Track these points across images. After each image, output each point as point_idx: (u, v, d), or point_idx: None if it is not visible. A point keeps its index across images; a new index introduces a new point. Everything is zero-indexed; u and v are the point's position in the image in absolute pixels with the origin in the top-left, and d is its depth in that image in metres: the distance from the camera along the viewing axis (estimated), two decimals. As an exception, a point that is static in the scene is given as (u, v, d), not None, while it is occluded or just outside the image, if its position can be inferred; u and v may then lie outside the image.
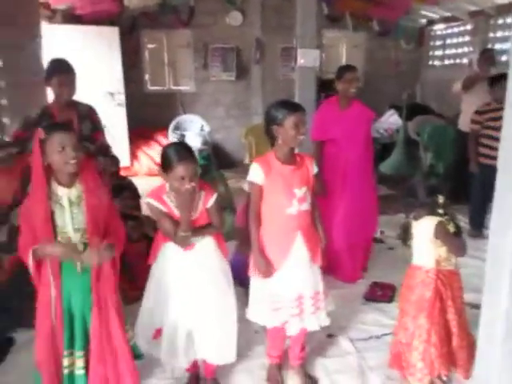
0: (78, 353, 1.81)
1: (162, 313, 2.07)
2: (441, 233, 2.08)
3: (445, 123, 5.86)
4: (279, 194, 2.06)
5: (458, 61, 6.74)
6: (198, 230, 2.05)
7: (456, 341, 2.15)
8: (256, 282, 2.15)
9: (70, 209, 1.76)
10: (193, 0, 6.63)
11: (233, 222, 3.64)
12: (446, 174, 5.09)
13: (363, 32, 7.26)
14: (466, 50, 6.52)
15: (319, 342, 2.61)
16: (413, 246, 2.22)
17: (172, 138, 6.42)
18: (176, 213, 1.99)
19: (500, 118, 3.99)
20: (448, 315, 2.13)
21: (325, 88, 5.84)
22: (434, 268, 2.13)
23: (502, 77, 3.97)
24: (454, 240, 2.10)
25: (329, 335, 2.66)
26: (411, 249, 2.25)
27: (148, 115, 6.74)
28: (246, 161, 6.24)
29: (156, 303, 2.08)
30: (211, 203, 2.05)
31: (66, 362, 1.82)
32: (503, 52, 5.58)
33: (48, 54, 4.83)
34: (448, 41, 7.04)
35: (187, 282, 2.05)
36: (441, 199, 2.12)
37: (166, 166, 1.95)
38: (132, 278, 2.87)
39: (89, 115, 2.89)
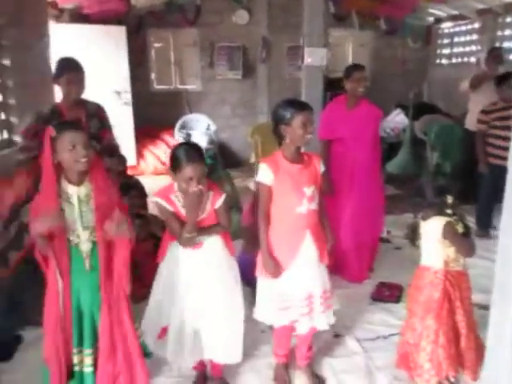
0: (87, 350, 1.82)
1: (169, 311, 2.08)
2: (449, 233, 2.07)
3: (452, 122, 5.83)
4: (289, 193, 2.06)
5: (465, 59, 6.69)
6: (205, 229, 2.06)
7: (464, 342, 2.14)
8: (264, 281, 2.15)
9: (79, 207, 1.77)
10: (199, -1, 6.65)
11: (239, 221, 3.64)
12: (453, 173, 5.06)
13: (370, 31, 7.23)
14: (473, 48, 6.48)
15: (326, 342, 2.61)
16: (421, 246, 2.21)
17: (178, 137, 6.43)
18: (183, 213, 2.00)
19: (507, 118, 3.98)
20: (456, 316, 2.12)
21: (331, 87, 5.82)
22: (442, 269, 2.12)
23: (510, 75, 3.96)
24: (462, 240, 2.09)
25: (335, 335, 2.66)
26: (419, 249, 2.24)
27: (154, 114, 6.76)
28: (252, 160, 6.23)
29: (163, 302, 2.09)
30: (219, 204, 2.06)
31: (75, 359, 1.83)
32: (511, 50, 5.54)
33: (55, 53, 4.86)
34: (456, 39, 7.00)
35: (195, 281, 2.05)
36: (449, 199, 2.10)
37: (174, 165, 1.96)
38: (139, 277, 2.88)
39: (97, 114, 2.90)
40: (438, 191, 2.17)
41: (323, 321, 2.14)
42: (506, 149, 3.78)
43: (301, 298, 2.10)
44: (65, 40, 5.36)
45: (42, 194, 1.75)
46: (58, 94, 3.80)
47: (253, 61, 7.09)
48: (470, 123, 4.58)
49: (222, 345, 2.09)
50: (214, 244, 2.10)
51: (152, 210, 3.30)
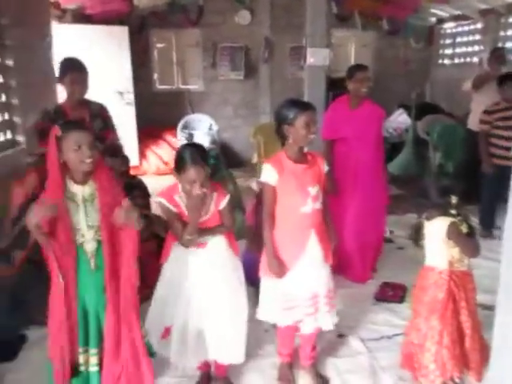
0: (92, 350, 1.82)
1: (172, 312, 2.08)
2: (453, 233, 2.07)
3: (454, 122, 5.82)
4: (294, 193, 2.06)
5: (468, 60, 6.69)
6: (209, 230, 2.07)
7: (469, 342, 2.14)
8: (267, 281, 2.15)
9: (84, 206, 1.78)
10: (202, -1, 6.65)
11: (242, 220, 3.65)
12: (455, 173, 5.06)
13: (372, 31, 7.22)
14: (476, 48, 6.47)
15: (330, 342, 2.61)
16: (425, 246, 2.20)
17: (180, 137, 6.44)
18: (186, 213, 2.02)
19: (510, 118, 3.98)
20: (461, 317, 2.12)
21: (333, 87, 5.82)
22: (446, 269, 2.12)
23: None
24: (466, 241, 2.09)
25: (339, 335, 2.65)
26: (423, 249, 2.24)
27: (156, 114, 6.76)
28: (254, 160, 6.23)
29: (166, 302, 2.09)
30: (223, 205, 2.07)
31: (81, 359, 1.83)
32: (514, 51, 5.53)
33: (58, 53, 4.87)
34: (458, 39, 7.00)
35: (199, 281, 2.06)
36: (454, 200, 2.10)
37: (179, 167, 1.97)
38: (142, 277, 2.88)
39: (100, 114, 2.91)
40: (442, 191, 2.17)
41: (328, 320, 2.15)
42: (509, 149, 3.80)
43: (306, 298, 2.10)
44: (67, 40, 5.37)
45: (48, 192, 1.75)
46: (60, 94, 3.81)
47: (255, 61, 7.09)
48: (473, 123, 4.58)
49: (226, 345, 2.09)
50: (218, 244, 2.10)
51: (155, 210, 3.31)
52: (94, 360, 1.83)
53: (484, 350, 2.18)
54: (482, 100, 4.44)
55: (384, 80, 7.06)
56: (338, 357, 2.50)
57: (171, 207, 2.03)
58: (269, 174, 2.07)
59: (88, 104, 2.90)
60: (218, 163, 4.33)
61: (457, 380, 2.22)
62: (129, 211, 1.74)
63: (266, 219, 2.10)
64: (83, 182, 1.79)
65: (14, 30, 3.89)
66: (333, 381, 2.33)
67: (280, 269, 2.06)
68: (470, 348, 2.15)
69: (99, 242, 1.80)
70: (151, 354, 2.05)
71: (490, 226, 4.10)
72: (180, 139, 6.45)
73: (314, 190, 2.08)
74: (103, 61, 5.79)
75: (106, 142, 2.88)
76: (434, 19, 7.26)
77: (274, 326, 2.32)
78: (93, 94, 3.04)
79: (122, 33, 6.13)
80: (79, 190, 1.79)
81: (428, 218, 2.17)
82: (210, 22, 6.86)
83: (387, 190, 3.47)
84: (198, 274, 2.06)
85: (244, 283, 2.15)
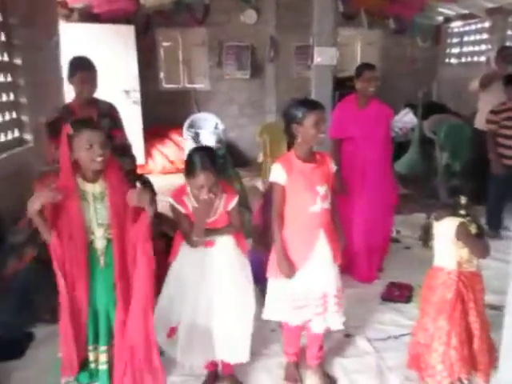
0: (102, 348, 1.83)
1: (179, 311, 2.08)
2: (462, 234, 2.06)
3: (461, 122, 5.80)
4: (303, 192, 2.06)
5: (475, 59, 6.65)
6: (217, 231, 2.09)
7: (477, 343, 2.13)
8: (275, 282, 2.15)
9: (94, 204, 1.78)
10: (208, -2, 6.66)
11: (248, 220, 3.65)
12: (462, 173, 5.03)
13: (378, 30, 7.21)
14: (483, 47, 6.44)
15: (337, 342, 2.61)
16: (434, 247, 2.19)
17: (186, 136, 6.44)
18: (193, 211, 2.03)
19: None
20: (470, 317, 2.11)
21: (339, 86, 5.81)
22: (455, 269, 2.10)
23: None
24: (475, 242, 2.08)
25: (346, 335, 2.65)
26: (432, 250, 2.23)
27: (162, 113, 6.78)
28: (260, 159, 6.23)
29: (173, 301, 2.10)
30: (232, 206, 2.08)
31: (91, 356, 1.84)
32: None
33: (65, 52, 4.89)
34: (465, 38, 6.96)
35: (207, 280, 2.06)
36: (463, 200, 2.09)
37: (188, 171, 1.99)
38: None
39: (109, 113, 2.92)
40: (450, 192, 2.16)
41: (337, 320, 2.14)
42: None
43: (315, 298, 2.09)
44: (74, 39, 5.39)
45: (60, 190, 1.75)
46: (67, 93, 3.82)
47: (261, 60, 7.09)
48: (480, 123, 4.55)
49: (232, 344, 2.10)
50: (226, 243, 2.11)
51: (161, 208, 3.31)
52: (103, 358, 1.83)
53: (492, 351, 2.18)
54: (489, 99, 4.42)
55: (390, 79, 7.03)
56: (345, 357, 2.50)
57: (180, 208, 2.05)
58: (278, 174, 2.07)
59: (97, 103, 2.91)
60: (224, 163, 4.33)
61: (464, 381, 2.21)
62: (141, 193, 1.75)
63: (276, 219, 2.09)
64: (94, 181, 1.80)
65: (22, 29, 3.91)
66: (340, 381, 2.33)
67: (290, 269, 2.06)
68: (478, 349, 2.14)
69: (109, 240, 1.81)
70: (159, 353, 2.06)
71: (497, 226, 4.08)
72: (186, 138, 6.46)
73: (322, 190, 2.08)
74: (110, 60, 5.79)
75: (114, 141, 2.89)
76: (441, 18, 7.23)
77: (280, 325, 2.32)
78: (99, 93, 3.05)
79: (128, 32, 6.15)
80: (90, 189, 1.79)
81: (437, 219, 2.16)
82: (215, 21, 6.87)
83: (396, 189, 3.45)
84: (205, 272, 2.07)
85: (252, 282, 2.15)
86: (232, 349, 2.10)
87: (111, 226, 1.80)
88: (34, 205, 1.65)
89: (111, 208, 1.78)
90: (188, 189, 2.05)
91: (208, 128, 6.69)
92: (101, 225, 1.80)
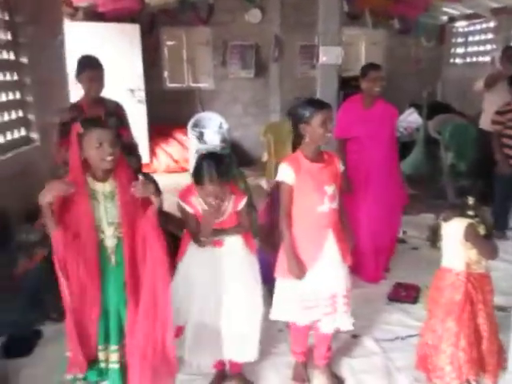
0: (113, 347, 1.82)
1: (187, 310, 2.09)
2: (471, 235, 2.05)
3: (466, 122, 5.79)
4: (311, 192, 2.06)
5: (480, 59, 6.64)
6: (225, 231, 2.10)
7: (486, 345, 2.12)
8: (284, 282, 2.15)
9: (104, 203, 1.79)
10: (212, -2, 6.65)
11: (254, 219, 3.64)
12: (468, 173, 5.02)
13: (383, 29, 7.19)
14: (488, 47, 6.42)
15: (344, 342, 2.61)
16: (442, 247, 2.19)
17: (191, 135, 6.45)
18: (201, 212, 2.05)
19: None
20: (478, 319, 2.10)
21: (343, 86, 5.79)
22: (464, 271, 2.10)
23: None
24: (484, 243, 2.07)
25: (353, 335, 2.65)
26: (440, 251, 2.23)
27: (167, 112, 6.77)
28: (264, 159, 6.23)
29: (180, 300, 2.10)
30: (241, 206, 2.09)
31: (101, 356, 1.84)
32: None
33: (70, 51, 4.90)
34: (470, 38, 6.94)
35: (215, 279, 2.07)
36: (471, 201, 2.09)
37: (196, 179, 2.00)
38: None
39: (116, 112, 2.92)
40: (459, 192, 2.15)
41: (346, 321, 2.14)
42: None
43: (324, 298, 2.09)
44: (79, 38, 5.40)
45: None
46: (75, 92, 3.82)
47: (265, 60, 7.09)
48: (485, 123, 4.54)
49: (240, 343, 2.10)
50: (234, 242, 2.12)
51: (166, 208, 3.32)
52: (114, 357, 1.83)
53: (500, 353, 2.18)
54: (493, 99, 4.41)
55: (395, 79, 7.01)
56: (353, 357, 2.50)
57: (188, 208, 2.07)
58: (286, 173, 2.07)
59: (104, 102, 2.92)
60: (229, 162, 4.32)
61: (473, 383, 2.20)
62: (145, 184, 1.76)
63: (284, 219, 2.09)
64: (104, 180, 1.80)
65: (28, 28, 3.92)
66: (347, 381, 2.33)
67: (300, 270, 2.06)
68: (486, 350, 2.13)
69: (119, 239, 1.81)
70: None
71: (503, 227, 4.07)
72: (190, 137, 6.47)
73: (330, 189, 2.08)
74: (115, 58, 5.78)
75: (121, 140, 2.89)
76: (445, 18, 7.21)
77: (288, 325, 2.32)
78: (104, 92, 3.05)
79: (133, 30, 6.15)
80: (100, 187, 1.79)
81: (445, 219, 2.15)
82: (220, 21, 6.86)
83: (404, 189, 3.43)
84: (214, 272, 2.07)
85: (260, 281, 2.15)
86: (240, 348, 2.10)
87: (121, 225, 1.80)
88: (46, 197, 1.65)
89: (121, 206, 1.78)
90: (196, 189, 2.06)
91: (212, 127, 6.69)
92: (111, 223, 1.80)
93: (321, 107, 2.06)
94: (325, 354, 2.30)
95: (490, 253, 2.08)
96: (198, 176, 1.99)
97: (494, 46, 6.14)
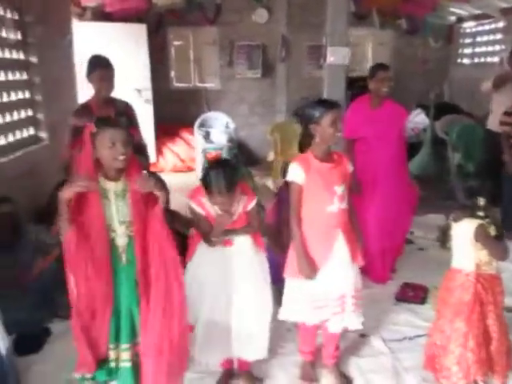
0: (124, 345, 1.83)
1: (197, 309, 2.09)
2: (481, 236, 2.05)
3: (474, 122, 5.76)
4: (321, 192, 2.06)
5: (488, 59, 6.60)
6: (235, 231, 2.11)
7: (495, 346, 2.11)
8: (293, 282, 2.15)
9: (116, 201, 1.80)
10: (219, -3, 6.66)
11: (263, 219, 3.65)
12: (476, 174, 5.00)
13: (390, 30, 7.17)
14: (497, 48, 6.39)
15: (352, 342, 2.61)
16: (452, 248, 2.19)
17: (197, 134, 6.46)
18: (212, 214, 2.08)
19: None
20: (488, 320, 2.10)
21: (350, 86, 5.78)
22: (473, 271, 2.09)
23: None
24: (495, 244, 2.06)
25: (361, 335, 2.65)
26: (448, 251, 2.22)
27: (173, 112, 6.80)
28: (271, 158, 6.24)
29: (191, 300, 2.11)
30: (251, 206, 2.10)
31: (111, 355, 1.84)
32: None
33: (78, 50, 4.92)
34: (478, 39, 6.91)
35: (225, 278, 2.08)
36: (481, 201, 2.08)
37: (205, 187, 2.03)
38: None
39: (125, 112, 2.94)
40: (469, 193, 2.15)
41: (355, 320, 2.15)
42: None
43: (334, 298, 2.10)
44: (87, 38, 5.42)
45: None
46: (85, 91, 3.84)
47: (272, 60, 7.09)
48: (493, 124, 4.52)
49: (250, 342, 2.11)
50: (244, 242, 2.13)
51: (174, 206, 3.33)
52: (125, 355, 1.83)
53: (509, 353, 2.17)
54: (501, 100, 4.38)
55: (402, 79, 6.99)
56: (361, 356, 2.50)
57: (198, 209, 2.10)
58: (296, 173, 2.08)
59: (114, 102, 2.94)
60: (237, 162, 4.34)
61: (480, 383, 2.20)
62: (147, 178, 1.78)
63: (293, 219, 2.09)
64: (116, 179, 1.81)
65: (37, 28, 3.95)
66: (356, 380, 2.33)
67: (311, 270, 2.06)
68: (495, 351, 2.13)
69: (130, 237, 1.82)
70: None
71: (511, 227, 4.04)
72: (197, 137, 6.48)
73: (340, 189, 2.08)
74: (122, 58, 5.77)
75: (133, 140, 2.91)
76: (453, 18, 7.17)
77: (296, 324, 2.33)
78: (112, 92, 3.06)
79: (140, 30, 6.18)
80: (111, 187, 1.80)
81: (455, 220, 2.15)
82: (227, 21, 6.87)
83: (413, 190, 3.41)
84: (224, 271, 2.08)
85: (269, 280, 2.16)
86: (250, 346, 2.12)
87: (132, 223, 1.81)
88: (67, 192, 1.68)
89: (133, 205, 1.79)
90: None
91: (219, 127, 6.70)
92: (122, 222, 1.81)
93: (330, 107, 2.07)
94: (333, 354, 2.30)
95: (501, 254, 2.07)
96: (206, 186, 2.02)
97: (503, 47, 6.10)
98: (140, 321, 1.82)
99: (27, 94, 3.91)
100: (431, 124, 6.04)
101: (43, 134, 4.05)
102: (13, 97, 3.68)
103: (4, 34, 3.61)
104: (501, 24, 6.28)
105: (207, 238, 2.09)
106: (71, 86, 4.69)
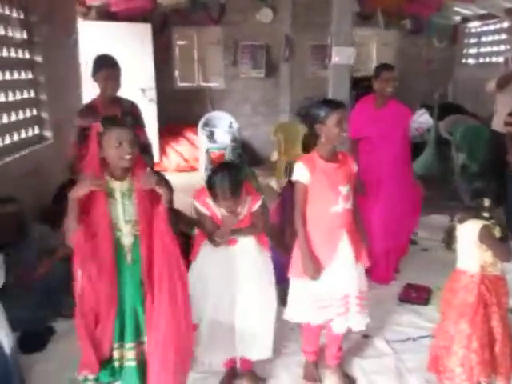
0: (129, 345, 1.83)
1: (200, 309, 2.10)
2: (486, 237, 2.04)
3: (478, 123, 5.74)
4: (326, 192, 2.06)
5: (493, 59, 6.58)
6: (240, 231, 2.11)
7: (499, 347, 2.10)
8: (298, 282, 2.15)
9: (122, 200, 1.80)
10: (224, -3, 6.66)
11: (266, 219, 3.64)
12: (480, 174, 4.98)
13: (394, 30, 7.15)
14: (502, 48, 6.36)
15: (355, 343, 2.61)
16: (457, 249, 2.18)
17: (201, 134, 6.47)
18: (218, 214, 2.09)
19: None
20: (492, 321, 2.09)
21: (354, 86, 5.77)
22: (478, 273, 2.09)
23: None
24: (499, 245, 2.05)
25: (364, 336, 2.64)
26: (451, 252, 2.21)
27: (177, 111, 6.81)
28: (274, 158, 6.24)
29: (194, 299, 2.11)
30: (256, 207, 2.11)
31: (115, 354, 1.84)
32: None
33: (83, 50, 4.94)
34: (483, 39, 6.88)
35: (230, 277, 2.08)
36: (486, 202, 2.08)
37: (210, 191, 2.03)
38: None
39: (131, 111, 2.94)
40: (474, 194, 2.14)
41: (359, 321, 2.14)
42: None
43: (337, 298, 2.10)
44: (92, 37, 5.43)
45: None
46: (90, 91, 3.85)
47: (276, 59, 7.08)
48: (497, 124, 4.49)
49: (255, 341, 2.12)
50: (248, 241, 2.14)
51: (178, 206, 3.34)
52: (130, 355, 1.83)
53: (513, 355, 2.16)
54: (506, 101, 4.36)
55: (406, 79, 6.96)
56: (364, 357, 2.50)
57: (203, 209, 2.10)
58: (301, 173, 2.08)
59: (120, 101, 2.94)
60: (241, 161, 4.34)
61: (483, 384, 2.20)
62: (150, 175, 1.79)
63: (298, 219, 2.09)
64: (122, 178, 1.81)
65: (43, 27, 3.96)
66: (359, 381, 2.33)
67: (315, 270, 2.06)
68: (499, 353, 2.12)
69: (136, 237, 1.82)
70: None
71: (515, 228, 4.03)
72: (200, 137, 6.49)
73: (345, 190, 2.08)
74: (126, 58, 5.74)
75: (139, 140, 2.91)
76: (458, 18, 7.15)
77: (299, 324, 2.33)
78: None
79: (145, 30, 6.18)
80: (117, 186, 1.81)
81: (460, 221, 2.14)
82: (231, 20, 6.87)
83: (418, 190, 3.39)
84: (228, 270, 2.08)
85: (273, 280, 2.16)
86: (254, 346, 2.12)
87: (138, 223, 1.81)
88: (79, 191, 1.69)
89: (139, 204, 1.80)
90: None
91: (222, 127, 6.71)
92: (128, 221, 1.81)
93: (336, 107, 2.07)
94: (336, 354, 2.30)
95: (506, 255, 2.06)
96: (211, 190, 2.02)
97: (508, 47, 6.08)
98: (146, 320, 1.82)
99: (32, 93, 3.93)
100: (435, 124, 6.03)
101: (48, 133, 4.07)
102: (18, 96, 3.70)
103: (10, 33, 3.63)
104: (506, 24, 6.26)
105: (212, 238, 2.09)
106: (76, 86, 4.70)
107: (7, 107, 3.53)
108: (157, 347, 1.79)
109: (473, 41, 7.18)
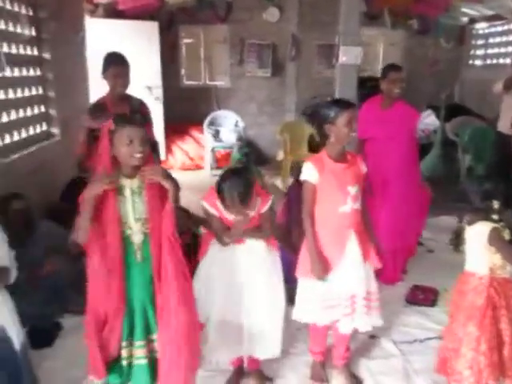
0: (138, 343, 1.82)
1: (208, 308, 2.10)
2: (495, 239, 2.03)
3: (484, 124, 5.72)
4: (334, 192, 2.06)
5: (501, 61, 6.56)
6: (248, 232, 2.11)
7: (507, 350, 2.09)
8: (306, 282, 2.15)
9: (132, 198, 1.80)
10: (230, -4, 6.66)
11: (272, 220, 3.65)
12: (486, 176, 4.97)
13: (401, 30, 7.13)
14: (510, 49, 6.34)
15: (362, 343, 2.61)
16: (466, 251, 2.17)
17: (207, 133, 6.47)
18: (226, 216, 2.08)
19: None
20: (501, 324, 2.08)
21: (361, 86, 5.75)
22: (487, 275, 2.08)
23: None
24: (509, 248, 2.04)
25: (371, 336, 2.64)
26: (460, 254, 2.21)
27: (183, 110, 6.81)
28: (280, 157, 6.23)
29: (202, 298, 2.11)
30: (265, 209, 2.11)
31: (124, 353, 1.83)
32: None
33: (90, 47, 4.95)
34: (491, 40, 6.86)
35: (237, 276, 2.08)
36: (496, 204, 2.07)
37: (219, 197, 2.02)
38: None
39: (140, 109, 2.94)
40: (483, 196, 2.13)
41: (366, 322, 2.14)
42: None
43: (344, 298, 2.10)
44: (99, 35, 5.44)
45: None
46: (99, 89, 3.86)
47: (282, 59, 7.08)
48: (504, 126, 4.48)
49: (263, 340, 2.12)
50: (256, 241, 2.12)
51: (184, 204, 3.34)
52: (140, 352, 1.83)
53: (522, 358, 2.15)
54: (512, 102, 4.35)
55: (412, 80, 6.94)
56: (371, 358, 2.50)
57: (213, 211, 2.10)
58: (310, 173, 2.08)
59: (129, 99, 2.94)
60: (248, 161, 4.35)
61: (493, 388, 2.19)
62: (154, 167, 1.80)
63: (306, 218, 2.09)
64: (132, 176, 1.82)
65: (51, 24, 3.97)
66: (366, 382, 2.33)
67: (323, 271, 2.06)
68: (508, 355, 2.11)
69: (146, 235, 1.82)
70: None
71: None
72: (206, 135, 6.49)
73: (353, 190, 2.08)
74: (133, 55, 5.72)
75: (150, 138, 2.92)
76: (465, 19, 7.12)
77: (306, 324, 2.33)
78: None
79: (152, 28, 6.19)
80: (128, 184, 1.81)
81: (469, 223, 2.13)
82: (238, 19, 6.87)
83: (425, 191, 3.38)
84: (236, 269, 2.08)
85: (282, 279, 2.16)
86: (262, 344, 2.12)
87: (148, 221, 1.81)
88: (95, 190, 1.69)
89: (149, 202, 1.80)
90: None
91: (228, 126, 6.71)
92: (138, 219, 1.81)
93: (346, 107, 2.07)
94: (343, 355, 2.30)
95: (515, 258, 2.05)
96: (220, 196, 2.02)
97: (516, 48, 6.06)
98: (157, 318, 1.82)
99: (40, 90, 3.94)
100: (441, 125, 6.01)
101: (55, 130, 4.08)
102: (26, 93, 3.70)
103: (19, 30, 3.63)
104: (514, 25, 6.24)
105: (220, 238, 2.09)
106: (83, 83, 4.71)
107: (15, 104, 3.54)
108: (168, 345, 1.79)
109: (480, 42, 7.16)
